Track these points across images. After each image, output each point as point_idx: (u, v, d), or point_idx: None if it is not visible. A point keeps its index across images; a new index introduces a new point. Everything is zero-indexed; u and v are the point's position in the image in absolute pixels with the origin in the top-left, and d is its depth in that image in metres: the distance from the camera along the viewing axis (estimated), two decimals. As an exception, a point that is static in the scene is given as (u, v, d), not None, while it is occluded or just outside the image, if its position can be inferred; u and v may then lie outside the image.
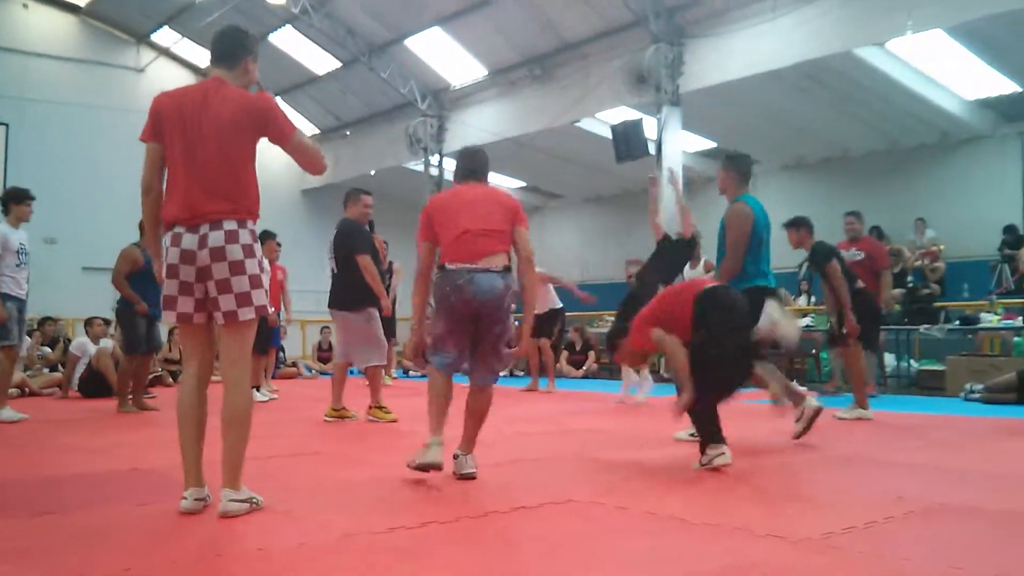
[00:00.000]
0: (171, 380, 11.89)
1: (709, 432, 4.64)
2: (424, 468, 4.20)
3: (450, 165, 18.97)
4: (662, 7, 13.46)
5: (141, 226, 8.00)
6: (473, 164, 4.68)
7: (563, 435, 6.19)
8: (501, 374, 4.65)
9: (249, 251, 3.49)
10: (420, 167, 19.09)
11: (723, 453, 4.57)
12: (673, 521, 3.42)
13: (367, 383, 7.28)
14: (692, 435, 5.35)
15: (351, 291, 7.06)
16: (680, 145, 14.18)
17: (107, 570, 2.73)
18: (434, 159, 18.93)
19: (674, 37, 13.59)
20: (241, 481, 3.51)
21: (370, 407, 7.15)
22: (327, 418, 7.19)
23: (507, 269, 4.34)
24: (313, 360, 16.18)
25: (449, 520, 3.40)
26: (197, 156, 3.48)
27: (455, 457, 4.35)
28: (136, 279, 7.92)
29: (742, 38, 12.77)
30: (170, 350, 12.50)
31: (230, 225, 3.46)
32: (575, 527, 3.40)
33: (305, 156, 3.68)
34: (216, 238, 3.43)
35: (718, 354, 4.59)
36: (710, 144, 17.35)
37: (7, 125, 15.12)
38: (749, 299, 5.20)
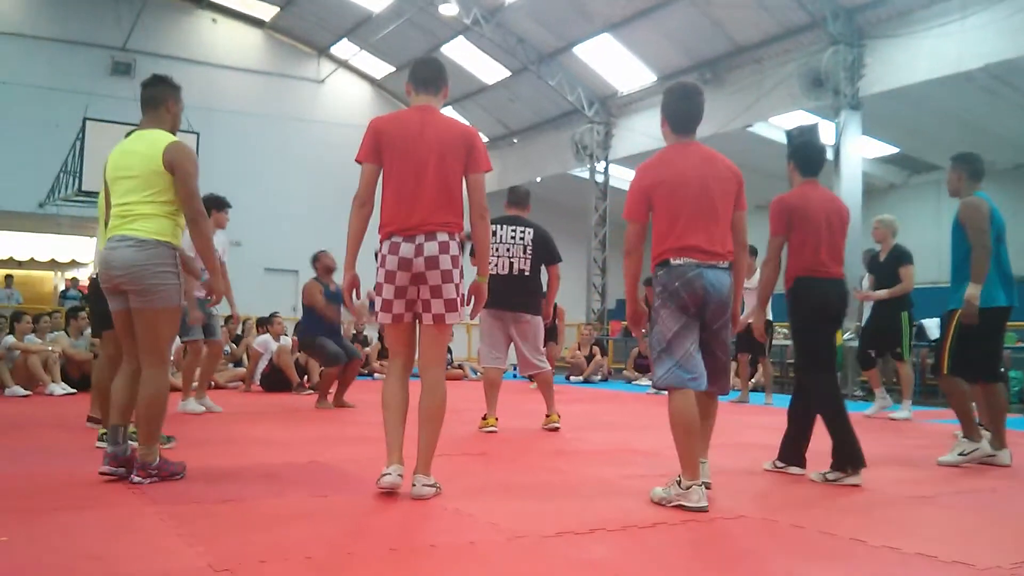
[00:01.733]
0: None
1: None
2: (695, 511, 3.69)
3: (616, 172, 18.92)
4: (841, 8, 12.98)
5: (316, 263, 8.55)
6: (693, 107, 4.10)
7: (738, 448, 6.00)
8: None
9: (456, 262, 3.88)
10: (586, 174, 19.12)
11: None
12: (852, 543, 3.25)
13: (540, 389, 7.02)
14: (962, 454, 5.10)
15: (538, 295, 6.92)
16: (859, 151, 13.60)
17: (289, 556, 2.84)
18: (600, 165, 18.91)
19: (854, 39, 13.07)
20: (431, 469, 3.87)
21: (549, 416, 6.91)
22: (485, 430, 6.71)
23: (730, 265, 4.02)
24: (479, 363, 16.43)
25: (616, 528, 3.36)
26: (418, 175, 3.83)
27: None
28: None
29: (928, 38, 12.14)
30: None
31: (443, 237, 3.83)
32: (747, 543, 3.29)
33: (480, 194, 3.96)
34: (431, 248, 3.80)
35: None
36: (892, 149, 16.56)
37: (198, 134, 16.11)
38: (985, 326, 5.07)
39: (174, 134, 4.42)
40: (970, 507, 4.17)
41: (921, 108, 13.93)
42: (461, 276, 3.91)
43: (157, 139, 4.25)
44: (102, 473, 4.10)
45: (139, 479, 4.06)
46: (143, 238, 4.13)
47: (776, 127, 15.35)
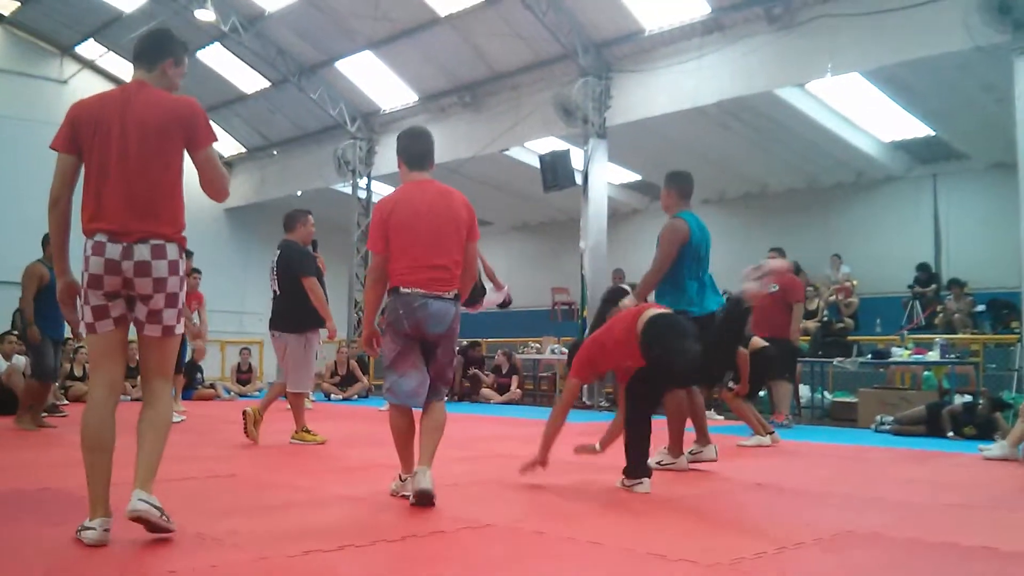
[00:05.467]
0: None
1: (638, 463, 4.76)
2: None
3: (378, 188, 18.93)
4: (591, 42, 13.68)
5: (44, 241, 7.80)
6: (422, 147, 4.48)
7: (482, 460, 6.17)
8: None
9: (174, 268, 3.41)
10: (348, 189, 18.97)
11: (642, 483, 4.74)
12: (590, 546, 3.45)
13: (288, 407, 7.21)
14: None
15: (294, 314, 7.02)
16: (606, 176, 14.39)
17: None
18: (362, 182, 18.84)
19: (602, 71, 13.83)
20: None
21: (296, 431, 7.08)
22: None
23: (457, 297, 4.38)
24: (232, 382, 15.87)
25: (365, 544, 3.38)
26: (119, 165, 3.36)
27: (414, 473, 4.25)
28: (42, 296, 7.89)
29: (668, 74, 13.04)
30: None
31: (156, 241, 3.35)
32: (493, 551, 3.41)
33: (214, 173, 3.61)
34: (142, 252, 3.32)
35: (667, 372, 4.73)
36: (635, 176, 17.62)
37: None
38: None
39: None
40: (696, 510, 4.52)
41: (661, 139, 14.89)
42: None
43: None
44: None
45: None
46: None
47: (532, 151, 15.92)
